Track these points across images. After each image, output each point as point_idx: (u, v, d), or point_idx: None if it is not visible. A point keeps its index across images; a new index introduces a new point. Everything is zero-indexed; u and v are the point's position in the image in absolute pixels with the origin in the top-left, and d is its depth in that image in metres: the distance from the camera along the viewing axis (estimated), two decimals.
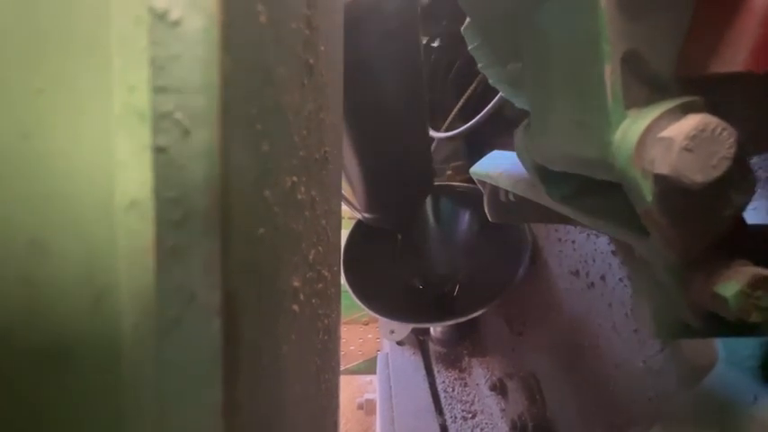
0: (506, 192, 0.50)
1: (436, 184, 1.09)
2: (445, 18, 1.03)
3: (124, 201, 0.09)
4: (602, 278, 0.64)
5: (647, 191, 0.19)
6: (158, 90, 0.09)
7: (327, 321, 0.24)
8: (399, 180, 0.74)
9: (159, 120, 0.09)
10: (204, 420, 0.09)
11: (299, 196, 0.14)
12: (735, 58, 0.16)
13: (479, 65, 0.40)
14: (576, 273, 0.72)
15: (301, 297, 0.15)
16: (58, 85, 0.09)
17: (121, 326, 0.09)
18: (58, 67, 0.09)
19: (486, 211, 0.54)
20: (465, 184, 1.04)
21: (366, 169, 0.67)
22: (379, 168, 0.69)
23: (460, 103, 1.03)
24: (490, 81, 0.40)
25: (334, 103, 0.25)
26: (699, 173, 0.17)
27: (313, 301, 0.18)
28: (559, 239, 0.78)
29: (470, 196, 1.00)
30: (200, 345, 0.09)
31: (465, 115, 0.98)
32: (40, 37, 0.08)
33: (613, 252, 0.62)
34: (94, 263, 0.09)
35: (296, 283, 0.14)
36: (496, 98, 0.78)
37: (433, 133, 1.04)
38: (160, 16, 0.09)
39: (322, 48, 0.18)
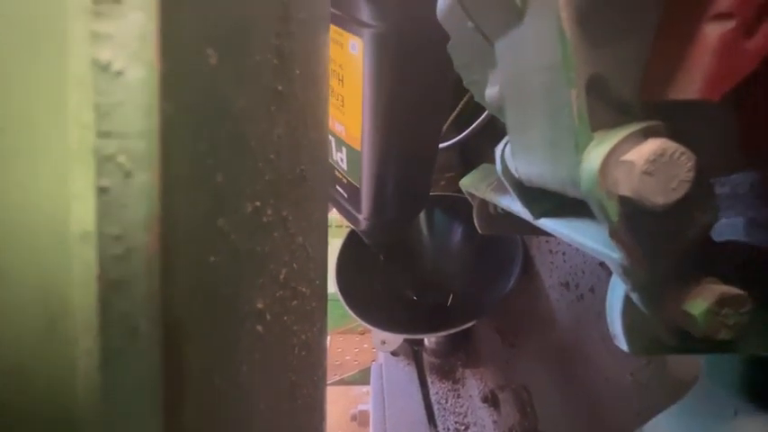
0: (495, 205, 0.51)
1: (430, 194, 1.10)
2: (440, 31, 1.04)
3: (78, 231, 0.09)
4: (592, 290, 0.65)
5: (613, 211, 0.19)
6: (102, 134, 0.09)
7: (305, 337, 0.24)
8: (405, 187, 0.75)
9: (103, 162, 0.09)
10: None
11: (265, 219, 0.15)
12: (691, 86, 0.17)
13: (464, 81, 0.41)
14: (567, 284, 0.72)
15: (268, 317, 0.15)
16: (18, 123, 0.09)
17: (75, 350, 0.09)
18: (19, 107, 0.09)
19: (476, 223, 0.54)
20: (458, 195, 1.04)
21: (381, 168, 0.68)
22: (393, 170, 0.70)
23: (454, 114, 1.05)
24: (475, 97, 0.41)
25: (313, 120, 0.25)
26: (659, 195, 0.18)
27: (285, 318, 0.18)
28: (550, 251, 0.79)
29: (463, 207, 1.00)
30: (142, 373, 0.09)
31: (459, 126, 0.99)
32: (3, 76, 0.09)
33: (602, 264, 0.62)
34: (49, 290, 0.09)
35: (260, 305, 0.14)
36: (488, 111, 0.79)
37: None
38: (104, 67, 0.09)
39: (297, 71, 0.19)
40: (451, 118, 1.08)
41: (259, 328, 0.14)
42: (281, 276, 0.17)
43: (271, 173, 0.15)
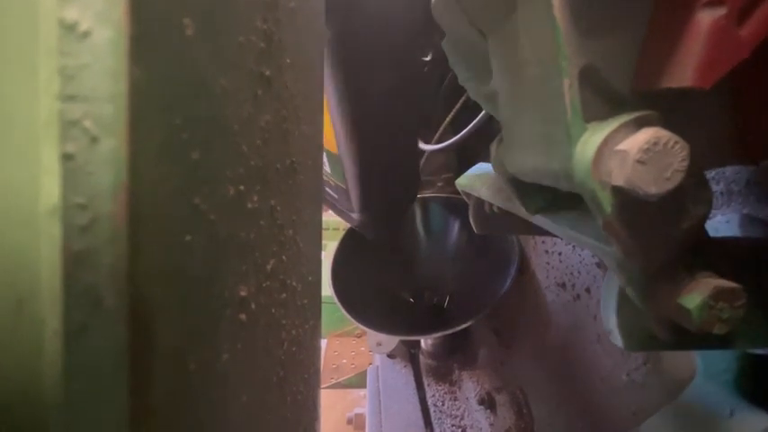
0: (491, 204, 0.51)
1: (426, 195, 1.10)
2: (437, 32, 1.05)
3: (47, 206, 0.09)
4: (588, 290, 0.64)
5: (606, 202, 0.19)
6: (67, 98, 0.09)
7: (296, 332, 0.24)
8: (391, 180, 0.75)
9: (68, 127, 0.09)
10: (113, 426, 0.09)
11: (250, 205, 0.14)
12: (683, 74, 0.17)
13: (459, 79, 0.40)
14: (563, 285, 0.72)
15: (252, 306, 0.15)
16: None
17: (43, 332, 0.09)
18: None
19: (472, 222, 0.54)
20: (454, 196, 1.04)
21: (361, 168, 0.69)
22: (373, 168, 0.71)
23: (450, 116, 1.05)
24: (470, 95, 0.41)
25: (306, 113, 0.25)
26: (653, 185, 0.18)
27: (273, 311, 0.18)
28: (546, 251, 0.78)
29: (460, 207, 1.00)
30: (106, 350, 0.09)
31: (456, 128, 0.99)
32: None
33: (598, 264, 0.62)
34: (18, 268, 0.09)
35: (243, 293, 0.14)
36: (484, 111, 0.79)
37: (423, 145, 1.05)
38: (70, 27, 0.09)
39: (288, 60, 0.19)
40: (447, 120, 1.08)
41: (242, 316, 0.14)
42: (269, 267, 0.17)
43: (257, 159, 0.15)
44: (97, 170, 0.09)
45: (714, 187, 0.40)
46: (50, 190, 0.09)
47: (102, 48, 0.09)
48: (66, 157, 0.09)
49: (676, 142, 0.17)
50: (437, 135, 1.08)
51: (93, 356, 0.09)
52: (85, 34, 0.09)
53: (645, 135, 0.17)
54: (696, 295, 0.21)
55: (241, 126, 0.14)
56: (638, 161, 0.17)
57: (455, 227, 1.06)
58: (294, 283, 0.23)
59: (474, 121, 0.84)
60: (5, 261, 0.09)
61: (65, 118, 0.09)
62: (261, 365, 0.16)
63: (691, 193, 0.19)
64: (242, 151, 0.14)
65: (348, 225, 1.08)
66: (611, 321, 0.26)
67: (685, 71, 0.17)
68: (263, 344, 0.16)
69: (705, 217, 0.21)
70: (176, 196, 0.10)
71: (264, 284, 0.16)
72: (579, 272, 0.67)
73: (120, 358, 0.09)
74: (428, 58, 1.18)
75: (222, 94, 0.12)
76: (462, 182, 0.54)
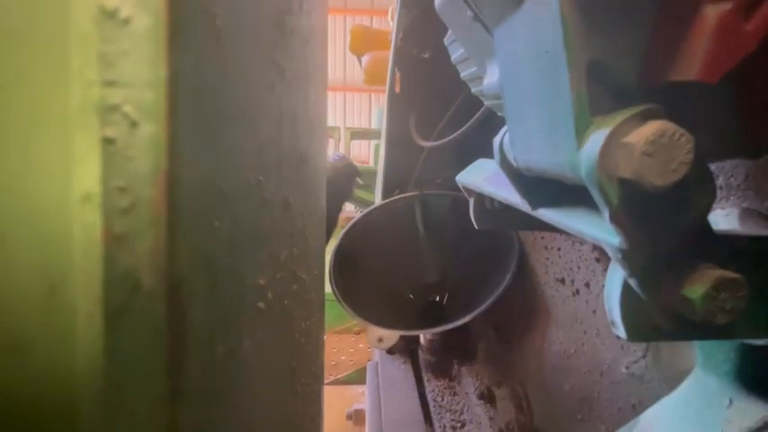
0: (491, 199, 0.51)
1: (426, 192, 1.10)
2: (436, 31, 1.05)
3: (80, 193, 0.09)
4: (587, 285, 0.65)
5: (613, 194, 0.19)
6: (107, 84, 0.09)
7: (305, 324, 0.24)
8: None
9: (108, 112, 0.09)
10: (149, 407, 0.09)
11: (267, 195, 0.15)
12: (689, 68, 0.17)
13: (461, 74, 0.41)
14: (562, 280, 0.72)
15: (269, 295, 0.15)
16: (17, 80, 0.09)
17: (76, 316, 0.09)
18: (18, 63, 0.09)
19: (473, 218, 0.54)
20: (454, 192, 1.04)
21: None
22: None
23: (450, 113, 1.05)
24: (473, 90, 0.41)
25: (314, 101, 0.25)
26: (659, 177, 0.18)
27: (285, 302, 0.18)
28: (546, 247, 0.79)
29: (459, 204, 1.01)
30: (146, 331, 0.09)
31: (455, 125, 1.00)
32: (2, 35, 0.09)
33: (597, 259, 0.63)
34: (50, 255, 0.09)
35: (261, 281, 0.14)
36: (484, 107, 0.79)
37: (422, 142, 1.05)
38: (110, 14, 0.09)
39: (299, 50, 0.19)
40: (446, 118, 1.08)
41: (261, 304, 0.14)
42: (282, 257, 0.17)
43: (273, 149, 0.15)
44: (138, 155, 0.09)
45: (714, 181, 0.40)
46: (85, 176, 0.09)
47: (142, 35, 0.09)
48: (107, 141, 0.09)
49: (682, 135, 0.18)
50: (436, 132, 1.09)
51: (131, 338, 0.09)
52: (126, 21, 0.09)
53: (651, 128, 0.18)
54: (699, 286, 0.22)
55: (260, 114, 0.14)
56: (645, 153, 0.18)
57: (455, 223, 1.06)
58: (303, 275, 0.23)
59: (474, 118, 0.85)
60: (38, 249, 0.09)
61: (105, 103, 0.09)
62: (276, 355, 0.16)
63: (695, 185, 0.19)
64: (261, 140, 0.14)
65: (348, 221, 1.08)
66: (614, 313, 0.26)
67: (692, 65, 0.17)
68: (278, 334, 0.17)
69: (709, 208, 0.21)
70: (208, 182, 0.10)
71: (278, 275, 0.16)
72: (578, 267, 0.67)
73: (159, 339, 0.09)
74: (426, 56, 1.18)
75: (245, 83, 0.13)
76: (463, 178, 0.54)
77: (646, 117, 0.18)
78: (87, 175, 0.09)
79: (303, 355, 0.24)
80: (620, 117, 0.19)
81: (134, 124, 0.09)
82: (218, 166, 0.11)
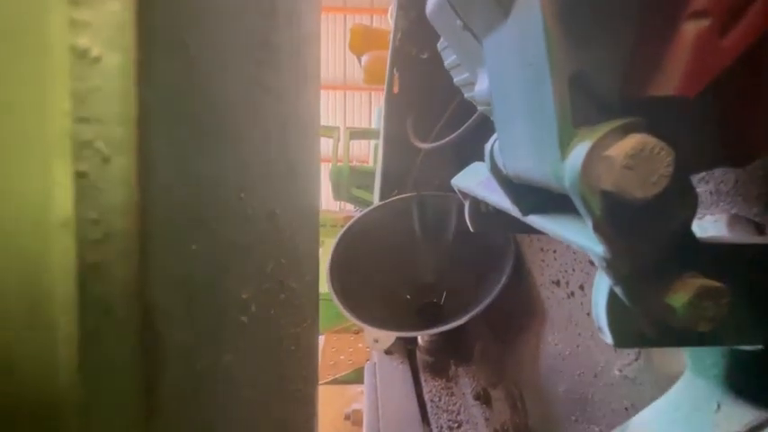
0: (486, 203, 0.51)
1: (423, 193, 1.10)
2: (434, 32, 1.05)
3: (59, 219, 0.09)
4: (581, 288, 0.65)
5: (595, 206, 0.20)
6: (80, 120, 0.09)
7: (294, 331, 0.24)
8: None
9: (80, 147, 0.09)
10: (124, 424, 0.09)
11: (250, 211, 0.15)
12: (669, 83, 0.17)
13: (454, 79, 0.41)
14: (557, 282, 0.73)
15: (253, 308, 0.15)
16: (0, 111, 0.09)
17: (56, 336, 0.09)
18: (1, 94, 0.09)
19: (468, 221, 0.54)
20: (452, 194, 1.05)
21: None
22: None
23: (447, 114, 1.05)
24: (465, 95, 0.42)
25: (305, 113, 0.25)
26: (639, 189, 0.18)
27: (272, 311, 0.18)
28: (541, 249, 0.79)
29: (457, 205, 1.01)
30: (119, 353, 0.09)
31: (453, 126, 1.00)
32: None
33: (591, 262, 0.63)
34: (30, 276, 0.09)
35: (244, 295, 0.15)
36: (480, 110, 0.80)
37: (420, 144, 1.05)
38: (81, 54, 0.09)
39: (286, 63, 0.19)
40: (444, 119, 1.08)
41: (243, 318, 0.14)
42: (268, 269, 0.17)
43: (257, 165, 0.15)
44: (109, 188, 0.09)
45: (704, 187, 0.40)
46: (63, 203, 0.09)
47: (112, 72, 0.09)
48: (80, 175, 0.10)
49: (662, 148, 0.18)
50: (434, 133, 1.09)
51: (105, 359, 0.09)
52: (96, 60, 0.10)
53: (631, 141, 0.18)
54: (682, 294, 0.22)
55: (243, 133, 0.14)
56: (625, 166, 0.18)
57: (452, 225, 1.06)
58: (292, 284, 0.23)
59: (471, 120, 0.85)
60: (19, 268, 0.09)
61: (78, 138, 0.09)
62: (261, 364, 0.17)
63: (676, 197, 0.20)
64: (244, 158, 0.14)
65: (346, 222, 1.09)
66: (601, 319, 0.26)
67: (671, 80, 0.17)
68: (264, 343, 0.17)
69: (690, 219, 0.21)
70: (183, 208, 0.11)
71: (264, 286, 0.17)
72: (573, 269, 0.68)
73: (131, 361, 0.09)
74: (425, 56, 1.18)
75: (226, 104, 0.13)
76: (458, 181, 0.54)
77: (627, 130, 0.19)
78: (65, 201, 0.09)
79: (293, 360, 0.24)
80: (602, 130, 0.19)
81: (106, 159, 0.10)
82: (195, 192, 0.11)
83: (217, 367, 0.12)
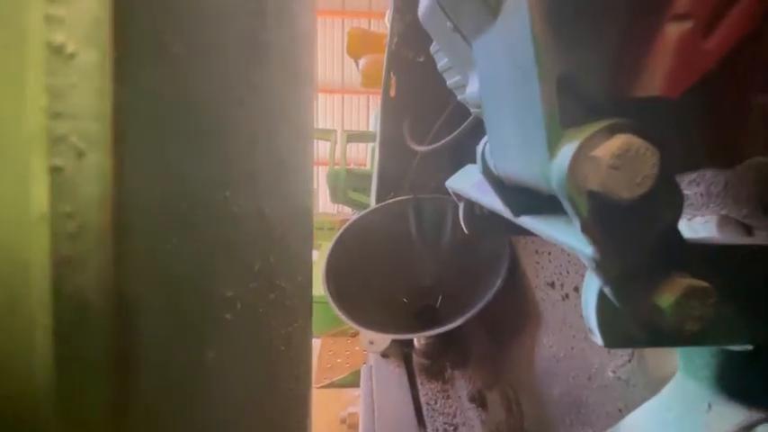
0: (480, 205, 0.52)
1: (419, 196, 1.11)
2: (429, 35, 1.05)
3: (35, 213, 0.09)
4: (576, 289, 0.66)
5: (582, 206, 0.20)
6: (55, 116, 0.10)
7: (285, 331, 0.24)
8: None
9: (56, 142, 0.10)
10: (99, 416, 0.09)
11: (236, 209, 0.15)
12: (653, 84, 0.18)
13: (447, 82, 0.41)
14: (552, 284, 0.73)
15: (238, 306, 0.15)
16: None
17: (35, 327, 0.09)
18: None
19: (463, 223, 0.55)
20: (447, 197, 1.05)
21: None
22: None
23: (443, 117, 1.05)
24: (458, 98, 0.42)
25: (297, 110, 0.26)
26: (625, 189, 0.18)
27: (260, 310, 0.18)
28: (536, 251, 0.79)
29: (453, 208, 1.01)
30: (94, 345, 0.09)
31: (449, 129, 1.00)
32: None
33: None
34: (6, 270, 0.09)
35: (229, 293, 0.15)
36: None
37: (416, 146, 1.06)
38: (57, 50, 0.10)
39: (275, 62, 0.19)
40: (440, 122, 1.09)
41: (228, 315, 0.14)
42: (256, 267, 0.17)
43: (244, 163, 0.15)
44: (84, 182, 0.10)
45: (695, 189, 0.41)
46: (39, 197, 0.09)
47: (88, 69, 0.10)
48: (55, 170, 0.10)
49: (647, 149, 0.18)
50: (431, 136, 1.09)
51: (81, 351, 0.09)
52: (72, 56, 0.10)
53: (617, 141, 0.18)
54: (669, 295, 0.22)
55: (226, 132, 0.14)
56: (611, 166, 0.18)
57: (447, 227, 1.07)
58: (282, 284, 0.23)
59: (466, 122, 0.85)
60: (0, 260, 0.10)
61: (53, 134, 0.09)
62: (250, 362, 0.17)
63: (662, 198, 0.20)
64: (228, 156, 0.15)
65: (343, 225, 1.09)
66: (591, 320, 0.26)
67: (655, 81, 0.18)
68: (251, 342, 0.17)
69: (677, 220, 0.21)
70: (163, 204, 0.11)
71: (251, 285, 0.17)
72: (568, 271, 0.68)
73: (107, 353, 0.09)
74: (421, 60, 1.18)
75: (209, 102, 0.13)
76: (452, 183, 0.55)
77: (613, 131, 0.19)
78: (40, 197, 0.10)
79: (284, 359, 0.24)
80: (588, 131, 0.19)
81: (81, 154, 0.10)
82: (175, 188, 0.12)
83: (199, 363, 0.13)
